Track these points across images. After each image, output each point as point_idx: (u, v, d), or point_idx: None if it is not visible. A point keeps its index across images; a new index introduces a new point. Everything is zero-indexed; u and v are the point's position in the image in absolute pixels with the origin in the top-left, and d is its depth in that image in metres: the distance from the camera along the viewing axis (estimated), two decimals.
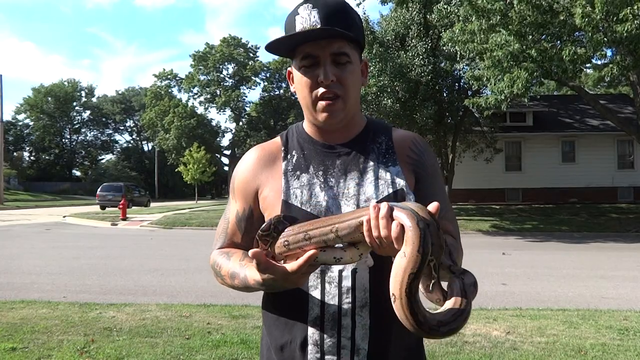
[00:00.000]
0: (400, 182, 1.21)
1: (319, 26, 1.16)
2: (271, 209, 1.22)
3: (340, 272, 1.16)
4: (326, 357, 1.15)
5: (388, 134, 1.29)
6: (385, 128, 1.32)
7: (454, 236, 1.26)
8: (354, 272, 1.15)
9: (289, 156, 1.27)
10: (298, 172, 1.24)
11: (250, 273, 1.12)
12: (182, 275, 8.60)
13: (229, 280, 1.20)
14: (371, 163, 1.24)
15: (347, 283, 1.15)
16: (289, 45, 1.21)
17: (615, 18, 12.12)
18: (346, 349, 1.14)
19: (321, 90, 1.19)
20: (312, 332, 1.16)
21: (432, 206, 0.98)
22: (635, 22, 11.72)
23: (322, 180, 1.22)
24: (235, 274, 1.18)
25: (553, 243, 14.44)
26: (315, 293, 1.16)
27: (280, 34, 1.23)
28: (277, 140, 1.34)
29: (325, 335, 1.15)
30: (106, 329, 4.93)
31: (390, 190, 1.20)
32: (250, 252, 1.03)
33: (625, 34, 11.92)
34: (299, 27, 1.18)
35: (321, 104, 1.20)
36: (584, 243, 14.35)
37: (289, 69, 1.30)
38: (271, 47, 1.21)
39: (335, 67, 1.18)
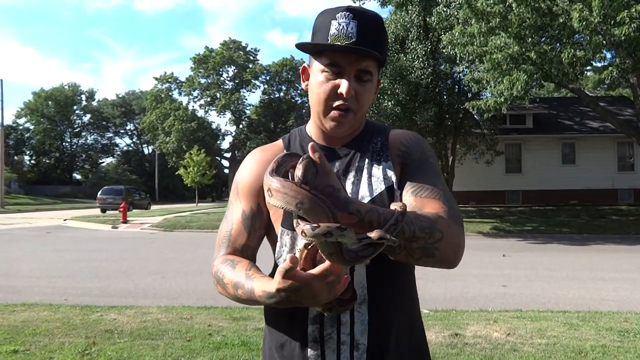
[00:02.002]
0: (392, 178, 1.23)
1: (354, 39, 1.17)
2: (274, 210, 1.24)
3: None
4: (326, 353, 1.16)
5: (385, 134, 1.31)
6: (383, 129, 1.34)
7: (436, 216, 1.13)
8: (351, 269, 1.17)
9: None
10: None
11: (258, 285, 1.08)
12: (182, 277, 8.61)
13: (232, 289, 1.16)
14: (366, 162, 1.26)
15: None
16: (319, 47, 1.23)
17: (612, 21, 12.15)
18: (346, 344, 1.15)
19: (338, 101, 1.20)
20: (312, 330, 1.17)
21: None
22: (633, 25, 11.75)
23: None
24: (239, 284, 1.14)
25: (553, 245, 14.44)
26: None
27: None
28: (279, 142, 1.36)
29: (325, 332, 1.16)
30: (107, 332, 4.94)
31: (383, 187, 1.22)
32: (289, 256, 0.96)
33: (623, 37, 11.96)
34: (332, 32, 1.18)
35: (334, 113, 1.21)
36: (584, 245, 14.35)
37: (304, 64, 1.31)
38: (302, 46, 1.23)
39: (357, 82, 1.20)
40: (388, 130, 1.33)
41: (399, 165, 1.25)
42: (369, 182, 1.22)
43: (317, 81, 1.22)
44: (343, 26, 1.18)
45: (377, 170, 1.24)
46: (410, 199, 1.19)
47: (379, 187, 1.22)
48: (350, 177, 1.24)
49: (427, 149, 1.30)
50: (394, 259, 1.12)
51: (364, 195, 1.21)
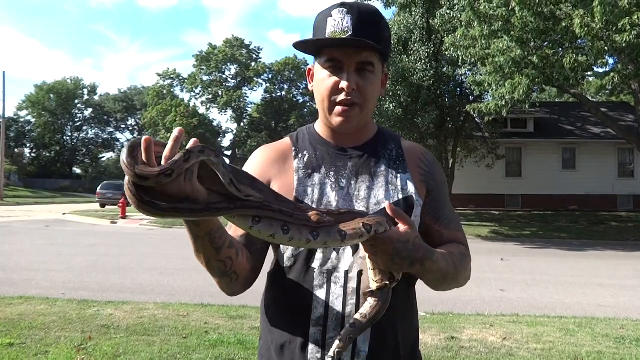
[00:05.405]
0: (411, 189, 1.24)
1: (350, 33, 1.17)
2: None
3: (347, 272, 1.17)
4: (327, 357, 1.14)
5: (398, 142, 1.32)
6: (395, 137, 1.34)
7: (463, 243, 1.32)
8: (359, 273, 1.16)
9: (300, 155, 1.28)
10: (310, 171, 1.25)
11: None
12: (180, 274, 8.60)
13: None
14: (382, 168, 1.26)
15: (352, 284, 1.16)
16: (317, 46, 1.23)
17: (614, 28, 12.16)
18: (347, 350, 1.14)
19: (341, 96, 1.20)
20: (314, 332, 1.16)
21: None
22: (634, 32, 11.76)
23: (334, 180, 1.23)
24: None
25: (552, 250, 14.44)
26: (321, 293, 1.17)
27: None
28: (287, 140, 1.34)
29: (327, 335, 1.15)
30: (104, 327, 4.94)
31: (400, 196, 1.23)
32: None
33: (624, 44, 11.96)
34: (329, 29, 1.19)
35: (338, 109, 1.21)
36: (583, 251, 14.35)
37: (309, 66, 1.31)
38: (299, 45, 1.23)
39: (358, 75, 1.20)
40: (399, 138, 1.34)
41: (422, 183, 1.27)
42: (387, 189, 1.23)
43: (320, 79, 1.23)
44: (339, 22, 1.18)
45: (395, 180, 1.25)
46: (445, 231, 1.29)
47: (396, 195, 1.23)
48: (365, 179, 1.24)
49: (441, 169, 1.37)
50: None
51: (380, 200, 1.21)
